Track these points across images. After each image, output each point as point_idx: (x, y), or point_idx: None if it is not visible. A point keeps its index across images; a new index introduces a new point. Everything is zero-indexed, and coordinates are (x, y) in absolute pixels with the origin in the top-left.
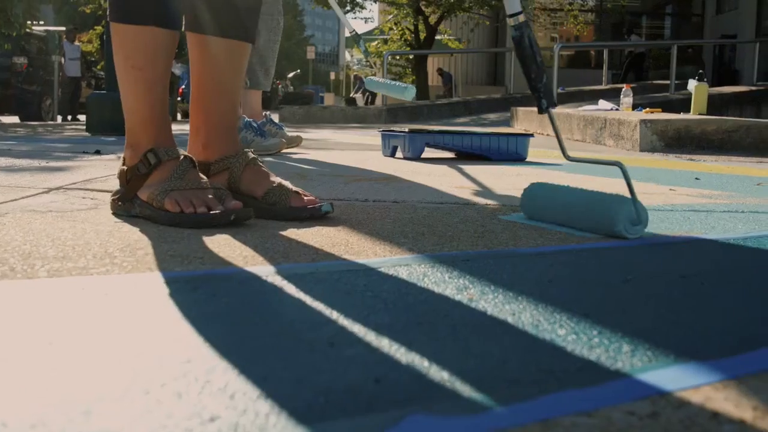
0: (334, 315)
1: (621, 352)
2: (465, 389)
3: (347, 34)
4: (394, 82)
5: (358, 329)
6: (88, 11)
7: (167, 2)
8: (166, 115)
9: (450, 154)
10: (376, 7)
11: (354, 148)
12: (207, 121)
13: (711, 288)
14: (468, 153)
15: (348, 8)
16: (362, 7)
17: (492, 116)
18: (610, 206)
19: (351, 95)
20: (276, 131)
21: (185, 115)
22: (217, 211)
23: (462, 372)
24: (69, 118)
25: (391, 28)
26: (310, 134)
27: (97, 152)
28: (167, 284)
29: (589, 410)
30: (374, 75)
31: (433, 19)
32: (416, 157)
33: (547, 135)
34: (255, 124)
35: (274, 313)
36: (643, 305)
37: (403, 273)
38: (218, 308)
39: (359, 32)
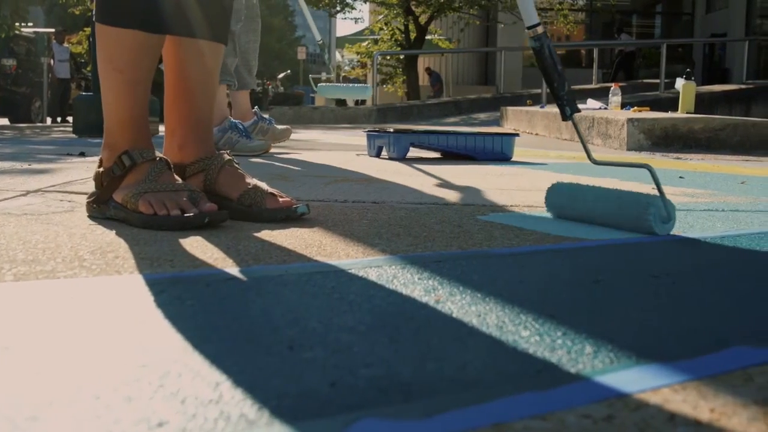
0: (298, 317)
1: (583, 353)
2: (421, 393)
3: (318, 37)
4: (349, 85)
5: (320, 332)
6: (77, 12)
7: (153, 6)
8: (146, 118)
9: (436, 155)
10: (366, 7)
11: (340, 149)
12: (182, 123)
13: (682, 288)
14: (454, 153)
15: (338, 9)
16: (352, 8)
17: (482, 116)
18: (641, 205)
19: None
20: (267, 127)
21: None
22: (191, 214)
23: (420, 375)
24: (59, 119)
25: (381, 29)
26: (298, 135)
27: (82, 154)
28: (133, 287)
29: (543, 413)
30: (328, 82)
31: (423, 19)
32: (401, 158)
33: (536, 134)
34: (241, 126)
35: (237, 316)
36: (611, 306)
37: (372, 275)
38: (182, 311)
39: (347, 33)
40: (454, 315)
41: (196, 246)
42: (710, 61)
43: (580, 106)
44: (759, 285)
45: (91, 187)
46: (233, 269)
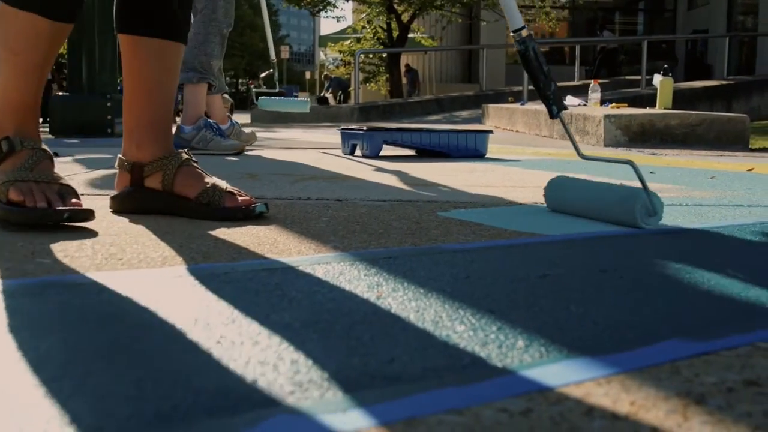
0: (234, 315)
1: (514, 348)
2: (341, 388)
3: (272, 56)
4: (288, 99)
5: (253, 329)
6: None
7: None
8: (37, 106)
9: (411, 152)
10: (348, 6)
11: (317, 147)
12: (140, 122)
13: (628, 282)
14: (428, 150)
15: (319, 7)
16: (334, 6)
17: (464, 113)
18: (627, 200)
19: (322, 94)
20: (239, 130)
21: None
22: (57, 208)
23: (343, 370)
24: (40, 120)
25: (363, 27)
26: (278, 134)
27: (55, 155)
28: (70, 288)
29: (460, 408)
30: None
31: (405, 17)
32: (375, 155)
33: (516, 131)
34: (215, 125)
35: (172, 313)
36: (553, 300)
37: (320, 271)
38: (119, 309)
39: (331, 32)
40: (392, 311)
41: (149, 245)
42: (693, 57)
43: None
44: (704, 278)
45: None
46: (180, 267)
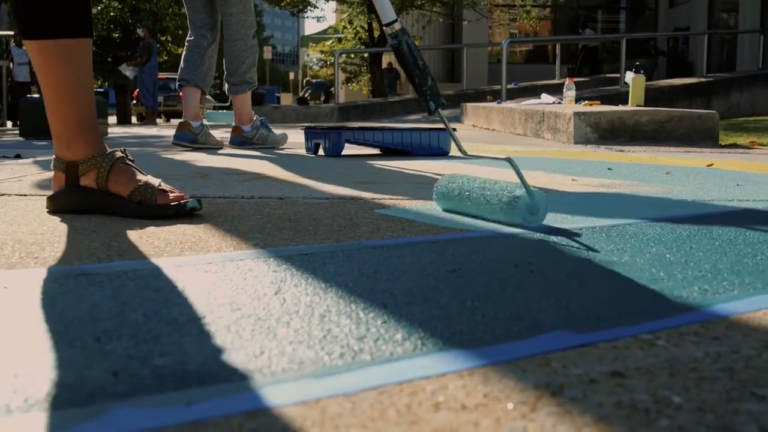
0: (125, 310)
1: (391, 340)
2: (199, 381)
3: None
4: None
5: (138, 324)
6: None
7: None
8: None
9: (376, 151)
10: (330, 6)
11: (285, 147)
12: (68, 125)
13: (536, 276)
14: (392, 149)
15: (300, 7)
16: (315, 6)
17: (445, 113)
18: (509, 198)
19: (301, 95)
20: (208, 133)
21: (140, 118)
22: None
23: (208, 365)
24: (19, 123)
25: (345, 27)
26: None
27: (17, 156)
28: None
29: (308, 401)
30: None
31: None
32: (337, 154)
33: (492, 130)
34: (266, 122)
35: (65, 309)
36: (452, 294)
37: (230, 268)
38: (19, 307)
39: (313, 32)
40: (283, 305)
41: (70, 244)
42: (674, 55)
43: (533, 100)
44: (614, 273)
45: (2, 188)
46: (92, 265)
